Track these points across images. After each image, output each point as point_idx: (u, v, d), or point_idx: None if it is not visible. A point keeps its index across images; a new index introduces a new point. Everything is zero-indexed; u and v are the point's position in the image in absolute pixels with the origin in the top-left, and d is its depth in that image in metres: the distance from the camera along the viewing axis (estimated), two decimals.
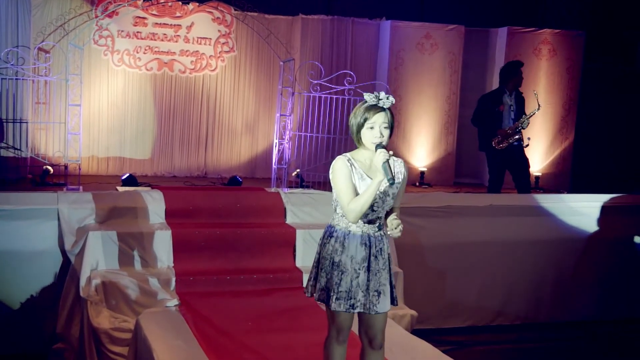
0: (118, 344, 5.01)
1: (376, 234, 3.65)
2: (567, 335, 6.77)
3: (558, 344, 6.58)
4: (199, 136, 10.22)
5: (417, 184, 10.50)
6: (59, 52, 8.79)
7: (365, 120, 3.54)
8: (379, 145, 3.50)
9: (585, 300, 7.05)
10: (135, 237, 5.57)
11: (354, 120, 3.60)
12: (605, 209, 7.15)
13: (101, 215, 5.71)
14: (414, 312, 5.68)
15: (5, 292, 5.44)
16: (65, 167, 8.48)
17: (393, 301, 3.71)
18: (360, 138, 3.58)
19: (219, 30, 10.11)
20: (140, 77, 9.84)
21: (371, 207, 3.53)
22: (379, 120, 3.53)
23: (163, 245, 5.64)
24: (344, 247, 3.59)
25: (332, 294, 3.58)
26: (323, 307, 4.99)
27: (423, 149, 10.77)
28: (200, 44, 10.03)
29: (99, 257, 5.43)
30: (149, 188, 6.86)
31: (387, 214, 3.71)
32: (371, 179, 3.54)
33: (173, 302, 5.24)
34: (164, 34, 9.83)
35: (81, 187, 7.95)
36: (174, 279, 5.44)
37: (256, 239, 5.89)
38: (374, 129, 3.53)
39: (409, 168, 10.32)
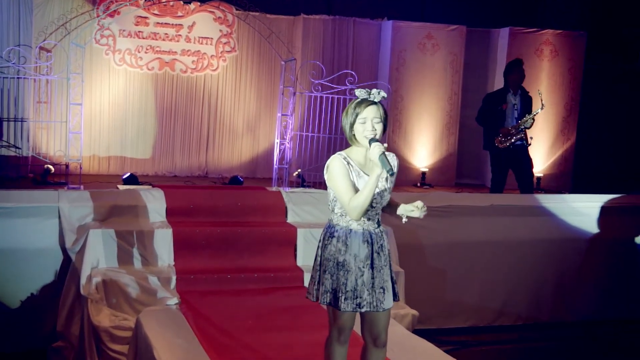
0: (118, 342, 5.00)
1: (376, 230, 3.64)
2: (568, 336, 6.76)
3: (559, 344, 6.58)
4: (200, 136, 10.21)
5: (419, 184, 10.48)
6: (61, 51, 8.79)
7: (357, 115, 3.53)
8: (372, 139, 3.48)
9: (587, 301, 7.05)
10: (136, 235, 5.57)
11: (345, 118, 3.59)
12: (606, 210, 7.15)
13: (102, 213, 5.71)
14: (415, 312, 5.67)
15: (6, 289, 5.44)
16: (67, 166, 8.47)
17: (395, 296, 3.70)
18: (354, 134, 3.57)
19: (220, 30, 10.10)
20: (142, 76, 9.84)
21: (370, 204, 3.51)
22: (370, 115, 3.51)
23: (164, 243, 5.64)
24: (347, 246, 3.57)
25: (340, 295, 3.55)
26: (324, 306, 4.99)
27: (424, 150, 10.75)
28: (201, 43, 10.02)
29: (99, 255, 5.43)
30: (149, 187, 6.85)
31: (385, 209, 3.71)
32: (368, 175, 3.53)
33: (173, 301, 5.23)
34: (166, 34, 9.83)
35: (82, 186, 7.94)
36: (174, 278, 5.43)
37: (257, 238, 5.89)
38: (366, 124, 3.51)
39: (410, 168, 10.42)
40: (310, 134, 9.44)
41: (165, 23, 9.81)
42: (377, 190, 3.54)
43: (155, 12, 9.71)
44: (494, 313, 6.75)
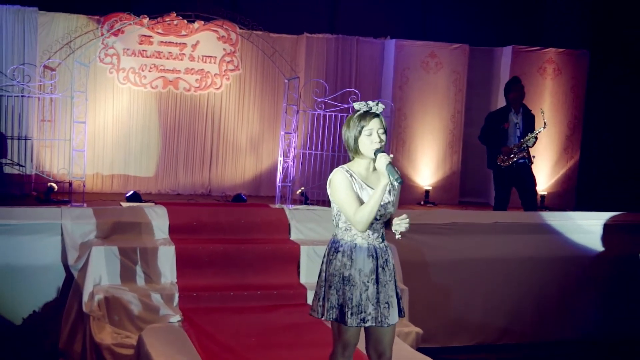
0: None
1: (381, 244, 3.63)
2: (572, 353, 6.70)
3: None
4: (204, 154, 10.22)
5: (422, 202, 10.45)
6: (65, 70, 8.82)
7: (362, 127, 3.54)
8: (378, 150, 3.50)
9: (591, 318, 6.99)
10: (139, 252, 5.56)
11: (349, 132, 3.60)
12: (610, 227, 7.13)
13: (104, 230, 5.71)
14: (419, 330, 5.64)
15: (8, 307, 5.44)
16: (70, 184, 8.46)
17: (400, 312, 3.68)
18: (358, 147, 3.58)
19: (224, 49, 10.14)
20: (145, 95, 9.87)
21: (375, 217, 3.50)
22: (375, 126, 3.55)
23: (166, 260, 5.63)
24: (352, 260, 3.55)
25: (346, 310, 3.53)
26: (327, 323, 4.96)
27: (428, 168, 10.74)
28: (205, 62, 10.06)
29: (102, 273, 5.42)
30: (152, 204, 6.84)
31: (386, 225, 3.70)
32: (371, 188, 3.53)
33: (176, 318, 5.21)
34: (169, 53, 9.87)
35: (85, 204, 7.90)
36: (177, 295, 5.42)
37: (260, 255, 5.88)
38: (372, 135, 3.54)
39: (413, 186, 10.40)
40: (313, 152, 9.43)
41: (169, 42, 9.85)
42: (381, 202, 3.53)
43: (159, 31, 9.75)
44: (498, 331, 6.71)
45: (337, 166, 3.73)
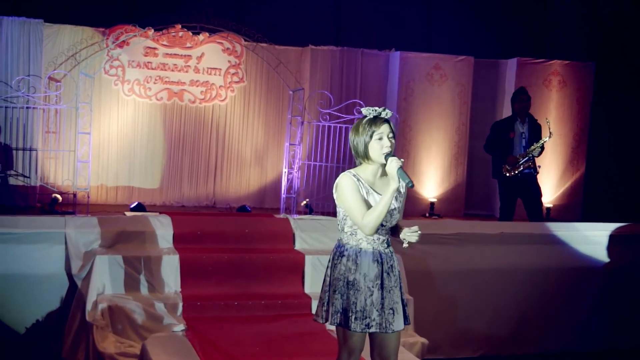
0: None
1: (386, 250, 3.61)
2: None
3: None
4: (208, 166, 10.22)
5: (427, 214, 10.42)
6: (70, 81, 8.85)
7: (373, 132, 3.53)
8: (388, 154, 3.49)
9: (598, 330, 6.93)
10: (143, 261, 5.53)
11: (358, 138, 3.58)
12: (616, 238, 7.07)
13: (108, 239, 5.68)
14: (424, 340, 5.59)
15: (11, 316, 5.41)
16: (74, 195, 8.47)
17: (406, 319, 3.64)
18: (368, 152, 3.56)
19: (229, 61, 10.16)
20: (150, 106, 9.88)
21: (380, 223, 3.49)
22: (385, 130, 3.55)
23: (170, 270, 5.60)
24: (357, 265, 3.53)
25: (350, 315, 3.50)
26: (332, 333, 4.92)
27: (433, 180, 10.72)
28: (210, 74, 10.08)
29: (105, 281, 5.39)
30: (157, 213, 6.82)
31: (392, 232, 3.68)
32: (378, 193, 3.52)
33: (180, 327, 5.17)
34: (174, 64, 9.89)
35: (89, 215, 7.91)
36: (181, 304, 5.38)
37: (264, 265, 5.84)
38: (383, 140, 3.53)
39: (418, 199, 10.37)
40: (318, 163, 9.43)
41: (174, 54, 9.87)
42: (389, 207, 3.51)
43: (165, 43, 9.78)
44: (504, 342, 6.64)
45: None
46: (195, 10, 9.08)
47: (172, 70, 9.90)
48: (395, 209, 3.58)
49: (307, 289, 5.84)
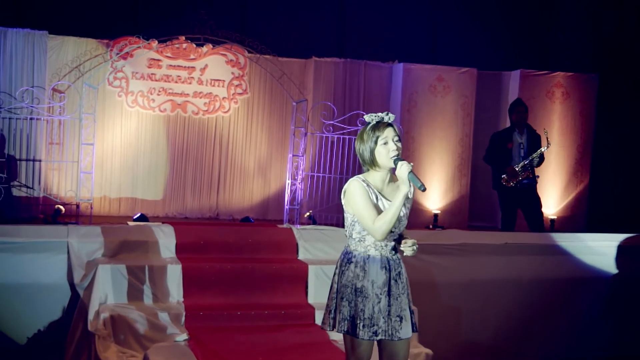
0: None
1: (394, 257, 3.58)
2: None
3: None
4: (211, 177, 10.20)
5: (431, 226, 10.38)
6: (74, 92, 8.85)
7: (378, 137, 3.51)
8: (397, 158, 3.46)
9: (603, 340, 6.88)
10: (146, 271, 5.52)
11: (363, 145, 3.56)
12: (622, 249, 7.04)
13: (111, 249, 5.67)
14: (429, 351, 5.54)
15: (13, 326, 5.39)
16: (77, 206, 8.46)
17: (413, 327, 3.61)
18: (375, 159, 3.53)
19: (232, 73, 10.17)
20: (154, 118, 9.88)
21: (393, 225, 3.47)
22: (390, 134, 3.52)
23: (173, 279, 5.58)
24: (365, 271, 3.51)
25: (358, 322, 3.47)
26: (336, 343, 4.88)
27: (436, 192, 10.69)
28: (213, 85, 10.08)
29: (108, 291, 5.38)
30: (160, 223, 6.81)
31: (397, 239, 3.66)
32: (387, 199, 3.49)
33: (182, 337, 5.15)
34: (178, 76, 9.90)
35: (92, 225, 7.90)
36: (183, 314, 5.36)
37: (268, 275, 5.83)
38: (388, 144, 3.51)
39: (422, 210, 10.34)
40: (321, 175, 9.41)
41: (178, 65, 9.88)
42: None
43: (168, 54, 9.79)
44: (509, 354, 6.60)
45: None
46: (199, 22, 9.09)
47: (176, 82, 9.90)
48: (403, 215, 3.56)
49: (311, 299, 5.82)
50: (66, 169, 8.94)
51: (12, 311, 5.36)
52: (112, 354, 5.02)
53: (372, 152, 3.54)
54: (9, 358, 5.37)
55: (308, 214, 9.42)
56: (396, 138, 3.54)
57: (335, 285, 3.61)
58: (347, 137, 9.20)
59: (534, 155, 7.92)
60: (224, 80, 10.12)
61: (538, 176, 8.11)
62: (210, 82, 10.07)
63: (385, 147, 3.51)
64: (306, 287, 5.88)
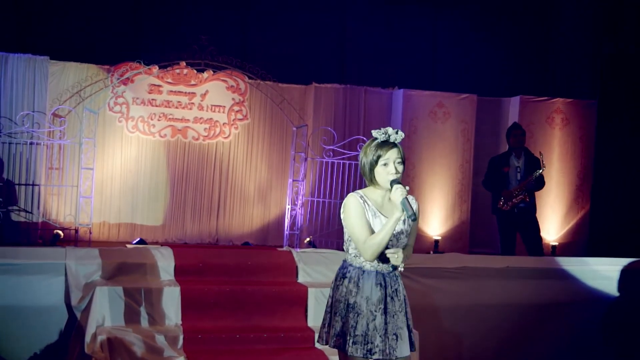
0: None
1: (390, 273, 3.53)
2: None
3: None
4: (211, 203, 10.17)
5: (431, 252, 10.32)
6: (74, 117, 8.87)
7: (379, 157, 3.47)
8: (394, 181, 3.42)
9: None
10: (143, 293, 5.46)
11: (365, 158, 3.53)
12: (625, 273, 6.98)
13: (109, 271, 5.62)
14: None
15: (10, 348, 5.32)
16: (76, 230, 8.43)
17: (411, 346, 3.55)
18: (374, 176, 3.50)
19: (232, 99, 10.19)
20: (154, 143, 9.88)
21: (385, 246, 3.42)
22: (392, 156, 3.46)
23: (171, 302, 5.53)
24: (358, 287, 3.46)
25: (348, 338, 3.42)
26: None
27: (437, 218, 10.65)
28: (214, 111, 10.10)
29: (105, 313, 5.31)
30: (158, 246, 6.77)
31: None
32: (385, 217, 3.45)
33: None
34: (179, 102, 9.92)
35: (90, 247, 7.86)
36: (181, 337, 5.30)
37: (267, 297, 5.77)
38: (388, 165, 3.46)
39: (422, 236, 10.30)
40: (321, 200, 9.39)
41: (179, 91, 9.91)
42: (394, 231, 3.45)
43: (169, 80, 9.82)
44: None
45: None
46: (200, 47, 9.15)
47: (176, 108, 9.92)
48: (402, 232, 3.52)
49: (311, 322, 5.76)
50: (65, 193, 8.93)
51: (9, 333, 5.29)
52: None
53: (371, 169, 3.50)
54: None
55: (308, 239, 9.38)
56: (398, 160, 3.48)
57: (330, 300, 3.59)
58: (347, 162, 9.20)
59: (531, 178, 7.93)
60: (224, 106, 10.14)
61: (535, 198, 8.11)
62: (210, 107, 10.09)
63: (385, 168, 3.46)
64: (306, 310, 5.82)
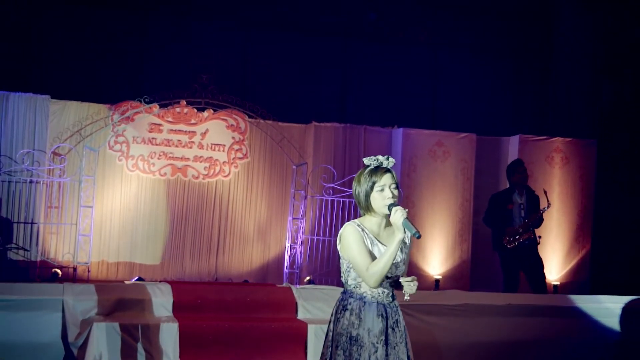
0: None
1: (391, 304, 3.49)
2: None
3: None
4: (210, 241, 10.13)
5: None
6: (74, 156, 8.89)
7: (374, 183, 3.47)
8: (392, 205, 3.41)
9: None
10: (141, 329, 5.41)
11: (359, 187, 3.53)
12: (628, 311, 6.92)
13: (107, 307, 5.58)
14: None
15: None
16: (74, 269, 8.37)
17: None
18: (370, 204, 3.48)
19: (232, 137, 10.21)
20: (154, 182, 9.88)
21: (385, 275, 3.39)
22: (387, 181, 3.47)
23: (169, 338, 5.47)
24: (360, 319, 3.42)
25: None
26: None
27: (437, 257, 10.59)
28: (214, 150, 10.11)
29: (102, 350, 5.26)
30: (157, 282, 6.72)
31: (395, 285, 3.58)
32: (383, 244, 3.43)
33: None
34: (179, 140, 9.94)
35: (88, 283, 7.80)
36: None
37: (266, 334, 5.72)
38: (385, 191, 3.45)
39: (423, 276, 10.23)
40: (321, 238, 9.35)
41: (179, 130, 9.94)
42: (393, 261, 3.42)
43: (169, 119, 9.86)
44: None
45: None
46: (200, 86, 9.21)
47: (177, 146, 9.94)
48: (400, 260, 3.50)
49: (310, 359, 5.69)
50: (64, 232, 8.89)
51: None
52: None
53: (367, 196, 3.49)
54: None
55: (308, 278, 9.32)
56: (393, 185, 3.50)
57: (330, 334, 3.52)
58: (347, 199, 9.19)
59: (537, 215, 7.92)
60: (224, 145, 10.16)
61: (540, 237, 8.08)
62: (210, 146, 10.10)
63: (382, 193, 3.46)
64: (305, 347, 5.76)
